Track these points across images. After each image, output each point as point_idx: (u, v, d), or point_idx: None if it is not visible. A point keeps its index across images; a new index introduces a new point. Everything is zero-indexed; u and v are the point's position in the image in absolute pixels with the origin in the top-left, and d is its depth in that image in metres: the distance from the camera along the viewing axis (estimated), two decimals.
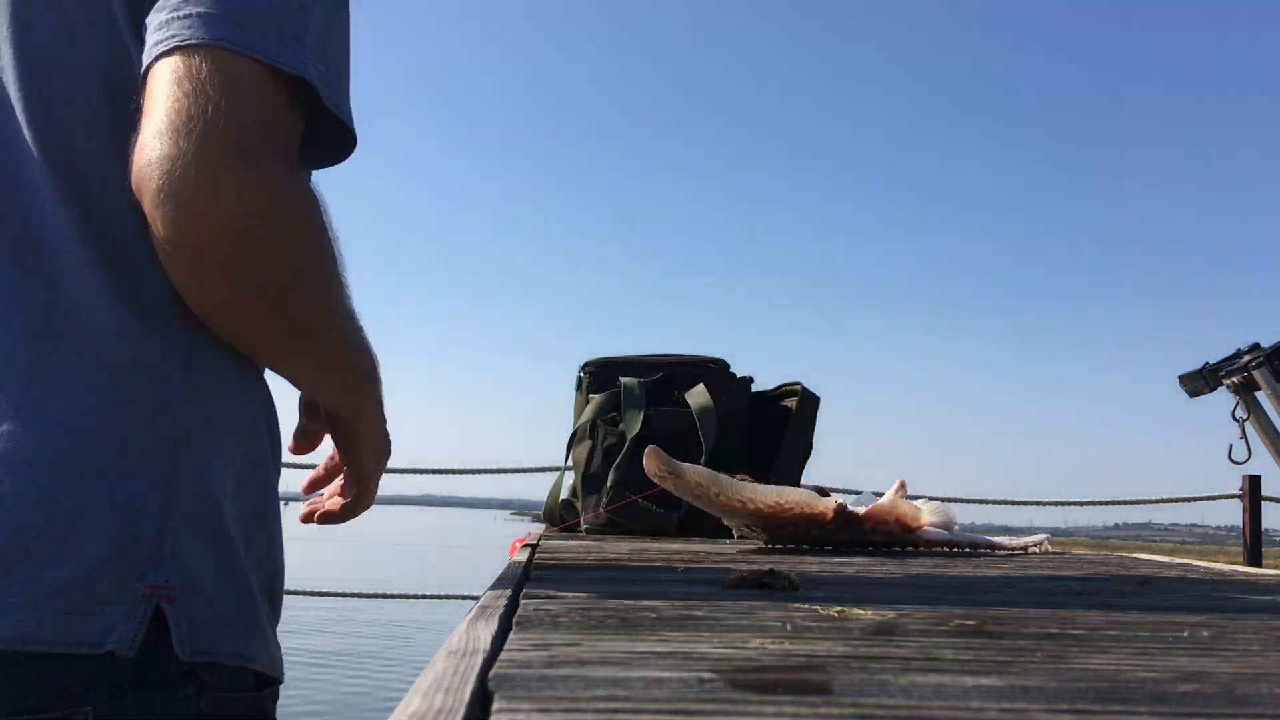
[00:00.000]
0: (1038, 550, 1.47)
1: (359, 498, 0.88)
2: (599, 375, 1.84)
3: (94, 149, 0.67)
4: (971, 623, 0.61)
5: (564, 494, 1.90)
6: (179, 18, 0.64)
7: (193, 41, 0.63)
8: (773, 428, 1.82)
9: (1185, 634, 0.59)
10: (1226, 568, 1.22)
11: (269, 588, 0.74)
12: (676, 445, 1.65)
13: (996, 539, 1.47)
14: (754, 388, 1.88)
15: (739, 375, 1.86)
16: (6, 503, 0.62)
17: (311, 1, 0.69)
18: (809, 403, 1.81)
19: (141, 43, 0.67)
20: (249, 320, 0.69)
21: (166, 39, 0.64)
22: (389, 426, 0.88)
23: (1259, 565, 4.49)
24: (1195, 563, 1.33)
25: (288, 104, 0.66)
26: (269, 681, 0.73)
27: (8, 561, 0.61)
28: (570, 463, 1.87)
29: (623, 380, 1.79)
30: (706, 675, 0.42)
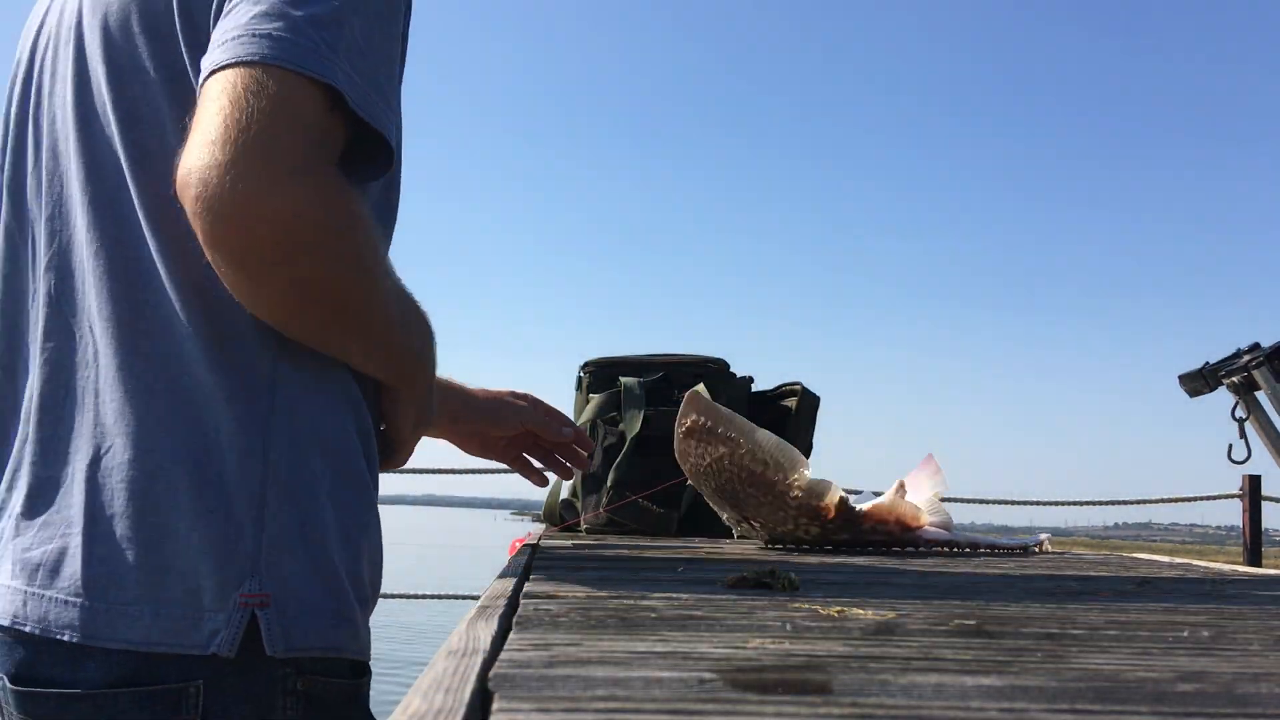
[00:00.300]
0: (1038, 550, 1.47)
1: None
2: (599, 375, 1.84)
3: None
4: (971, 623, 0.61)
5: (564, 494, 1.90)
6: (224, 43, 0.71)
7: (233, 61, 0.70)
8: (773, 428, 1.82)
9: (1185, 634, 0.59)
10: (1226, 567, 1.22)
11: (366, 582, 0.82)
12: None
13: (996, 539, 1.47)
14: (754, 388, 1.88)
15: (739, 375, 1.86)
16: (129, 528, 0.74)
17: (350, 12, 0.74)
18: (809, 403, 1.81)
19: None
20: (295, 317, 0.76)
21: (211, 63, 0.71)
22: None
23: (1259, 565, 4.49)
24: (1195, 563, 1.33)
25: (323, 111, 0.71)
26: (364, 669, 0.83)
27: (137, 578, 0.74)
28: None
29: (622, 380, 1.79)
30: (706, 675, 0.42)
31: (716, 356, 1.85)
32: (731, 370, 1.86)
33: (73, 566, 0.75)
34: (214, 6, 0.77)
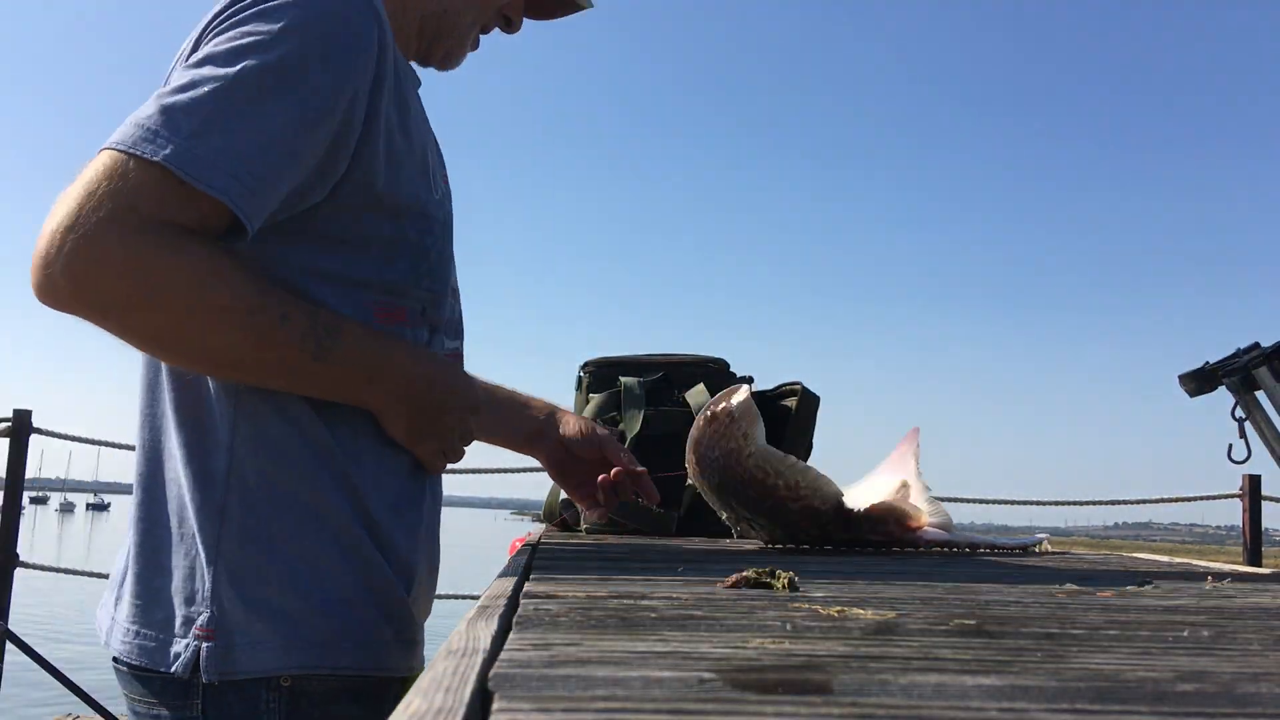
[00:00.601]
0: (1037, 550, 1.47)
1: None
2: (599, 375, 1.84)
3: None
4: (971, 623, 0.61)
5: (564, 494, 1.90)
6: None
7: (104, 145, 0.87)
8: (773, 427, 1.81)
9: (1185, 634, 0.59)
10: (1227, 567, 1.22)
11: (340, 608, 0.96)
12: (676, 445, 1.65)
13: (996, 539, 1.47)
14: (754, 388, 1.88)
15: (739, 375, 1.86)
16: (143, 567, 0.99)
17: (218, 97, 0.88)
18: (809, 402, 1.81)
19: None
20: (168, 356, 0.97)
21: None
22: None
23: (1259, 565, 4.49)
24: (1195, 563, 1.33)
25: (153, 185, 0.85)
26: (382, 681, 0.98)
27: (140, 606, 0.98)
28: None
29: (622, 380, 1.79)
30: (706, 675, 0.42)
31: (716, 356, 1.85)
32: (731, 370, 1.86)
33: (124, 596, 1.01)
34: None
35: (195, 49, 0.95)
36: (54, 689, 4.07)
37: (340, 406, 0.99)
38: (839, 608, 0.66)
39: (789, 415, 1.80)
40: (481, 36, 1.24)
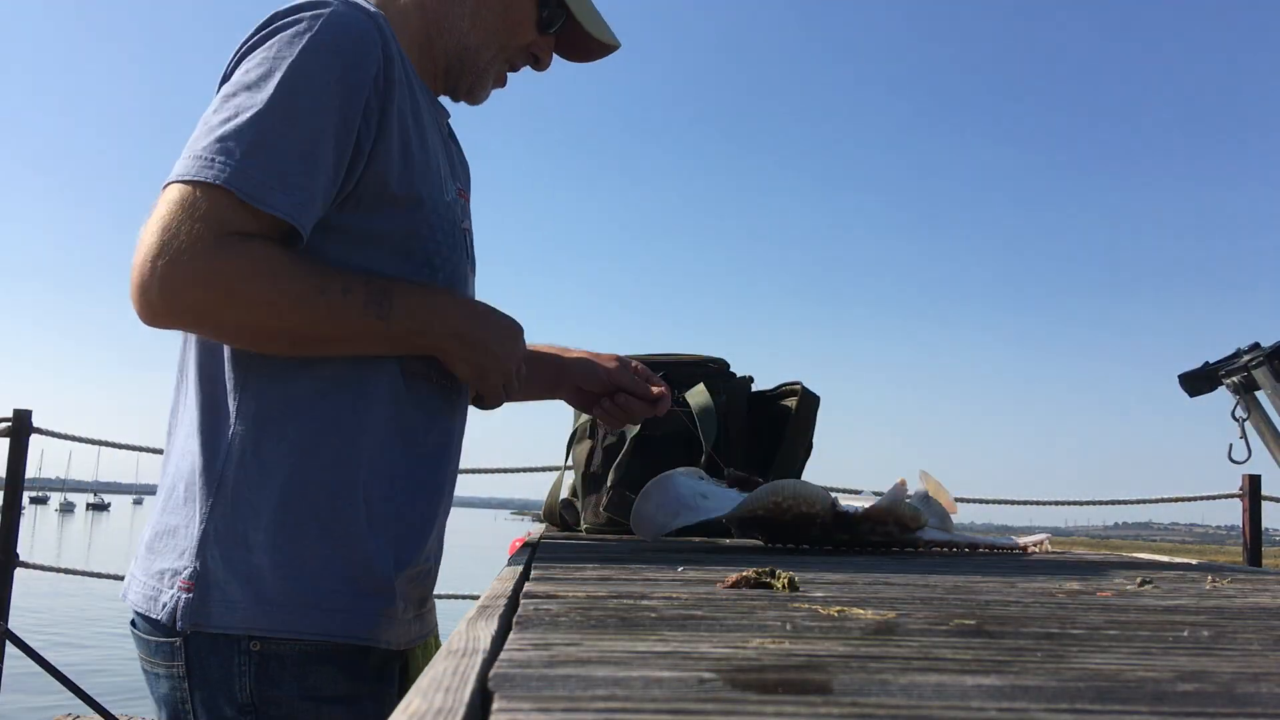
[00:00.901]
0: (1038, 550, 1.47)
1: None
2: None
3: None
4: (971, 623, 0.61)
5: (564, 494, 1.90)
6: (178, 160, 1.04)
7: (169, 179, 1.02)
8: (773, 427, 1.82)
9: (1185, 634, 0.59)
10: (1227, 567, 1.22)
11: (313, 581, 1.06)
12: (676, 444, 1.65)
13: (996, 539, 1.47)
14: (754, 387, 1.88)
15: (739, 375, 1.86)
16: (156, 521, 1.12)
17: (257, 122, 1.01)
18: (809, 402, 1.81)
19: None
20: (229, 339, 1.08)
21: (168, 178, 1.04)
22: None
23: (1259, 564, 4.49)
24: (1195, 562, 1.33)
25: (222, 205, 0.99)
26: (328, 642, 1.06)
27: (148, 559, 1.10)
28: (570, 462, 1.87)
29: None
30: (706, 675, 0.42)
31: (716, 356, 1.85)
32: (731, 370, 1.86)
33: (140, 551, 1.13)
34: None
35: (228, 76, 1.09)
36: (54, 689, 4.07)
37: (342, 392, 1.10)
38: (839, 608, 0.66)
39: (789, 415, 1.80)
40: (511, 75, 1.34)
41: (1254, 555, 4.85)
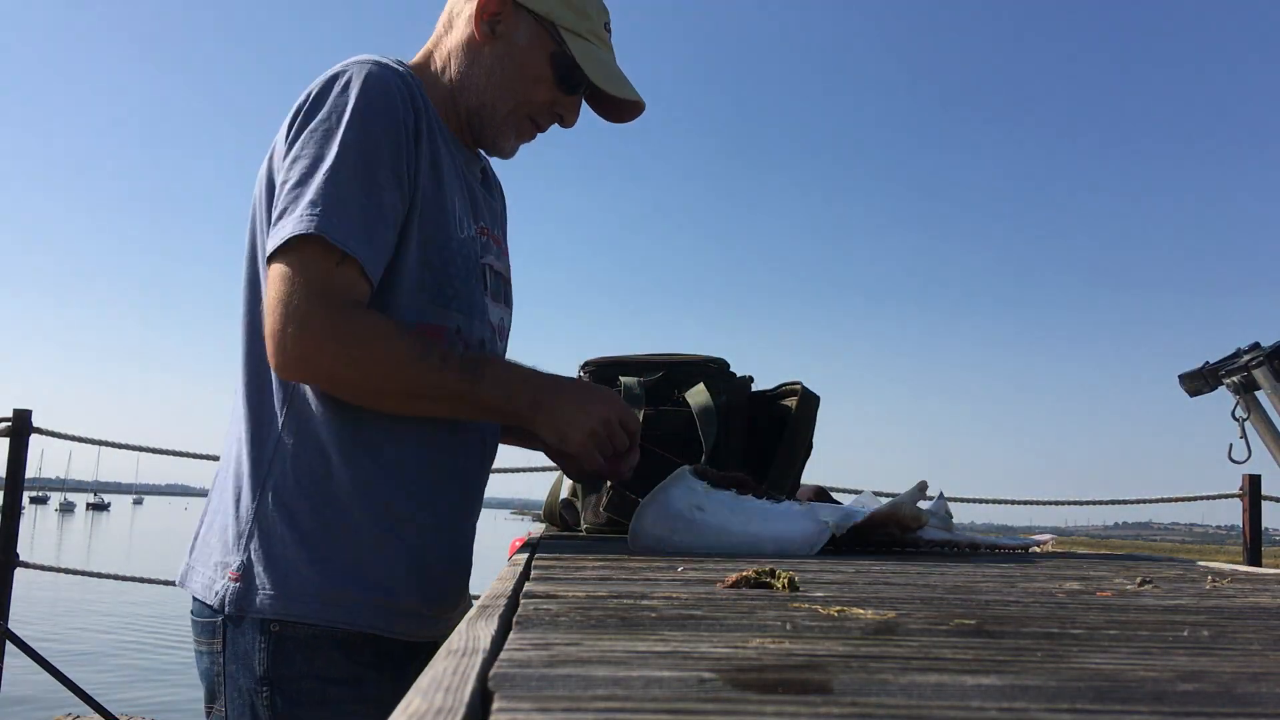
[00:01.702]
0: (1039, 550, 1.47)
1: (576, 471, 1.45)
2: (599, 374, 1.84)
3: (250, 325, 1.29)
4: (971, 623, 0.61)
5: (564, 494, 1.90)
6: (271, 234, 1.20)
7: (270, 251, 1.18)
8: (773, 427, 1.82)
9: (1185, 634, 0.59)
10: (1226, 567, 1.22)
11: (343, 572, 1.20)
12: (676, 445, 1.65)
13: (997, 538, 1.47)
14: (754, 387, 1.88)
15: (739, 375, 1.86)
16: (207, 518, 1.30)
17: (328, 182, 1.17)
18: (809, 402, 1.81)
19: None
20: (357, 399, 1.22)
21: (267, 250, 1.20)
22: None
23: (1259, 564, 4.49)
24: (1195, 562, 1.33)
25: (322, 261, 1.16)
26: (341, 628, 1.19)
27: (204, 552, 1.26)
28: None
29: (622, 380, 1.79)
30: (706, 675, 0.42)
31: (717, 356, 1.85)
32: (732, 370, 1.85)
33: (196, 545, 1.29)
34: (266, 194, 1.26)
35: (292, 138, 1.23)
36: (54, 689, 4.07)
37: (374, 420, 1.23)
38: (839, 608, 0.66)
39: (789, 415, 1.80)
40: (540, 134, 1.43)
41: (1254, 555, 4.85)
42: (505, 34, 1.34)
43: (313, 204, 1.16)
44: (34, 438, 4.43)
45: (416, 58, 1.40)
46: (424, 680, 0.40)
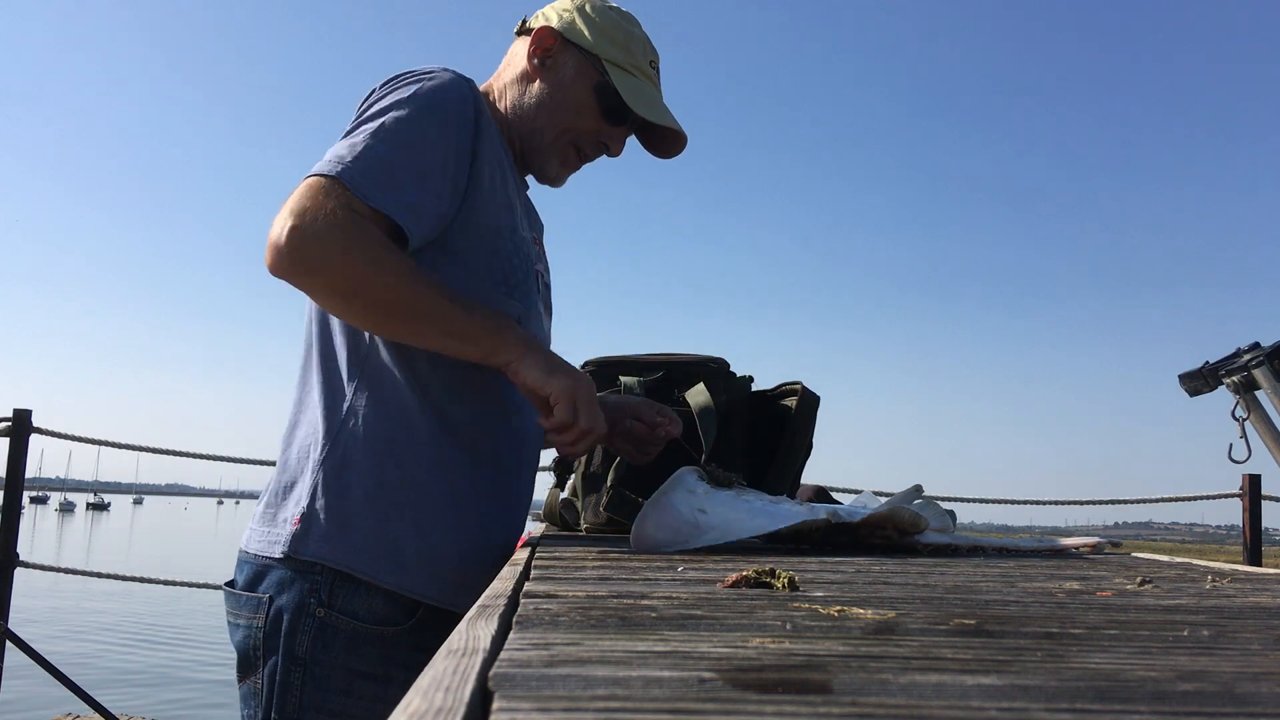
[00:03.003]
0: (1077, 551, 1.46)
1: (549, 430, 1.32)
2: (599, 374, 1.84)
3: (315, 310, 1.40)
4: (971, 622, 0.61)
5: (564, 494, 1.90)
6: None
7: (307, 174, 1.24)
8: (773, 427, 1.82)
9: (1185, 634, 0.59)
10: (1226, 567, 1.22)
11: (391, 526, 1.28)
12: (676, 444, 1.65)
13: (1019, 542, 1.47)
14: (754, 387, 1.88)
15: (739, 375, 1.86)
16: (270, 488, 1.37)
17: (377, 142, 1.25)
18: (809, 402, 1.81)
19: None
20: (338, 309, 1.28)
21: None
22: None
23: (1259, 564, 4.49)
24: (1195, 562, 1.33)
25: (344, 197, 1.20)
26: (409, 602, 1.28)
27: (270, 514, 1.33)
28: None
29: (622, 379, 1.79)
30: (706, 675, 0.42)
31: (717, 356, 1.85)
32: (732, 370, 1.85)
33: (260, 508, 1.37)
34: None
35: (362, 110, 1.31)
36: (54, 689, 4.07)
37: (443, 385, 1.31)
38: (839, 607, 0.66)
39: (789, 414, 1.80)
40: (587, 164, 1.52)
41: (1254, 555, 4.85)
42: (554, 67, 1.46)
43: (351, 148, 1.23)
44: (34, 437, 4.43)
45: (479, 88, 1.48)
46: (424, 680, 0.40)
